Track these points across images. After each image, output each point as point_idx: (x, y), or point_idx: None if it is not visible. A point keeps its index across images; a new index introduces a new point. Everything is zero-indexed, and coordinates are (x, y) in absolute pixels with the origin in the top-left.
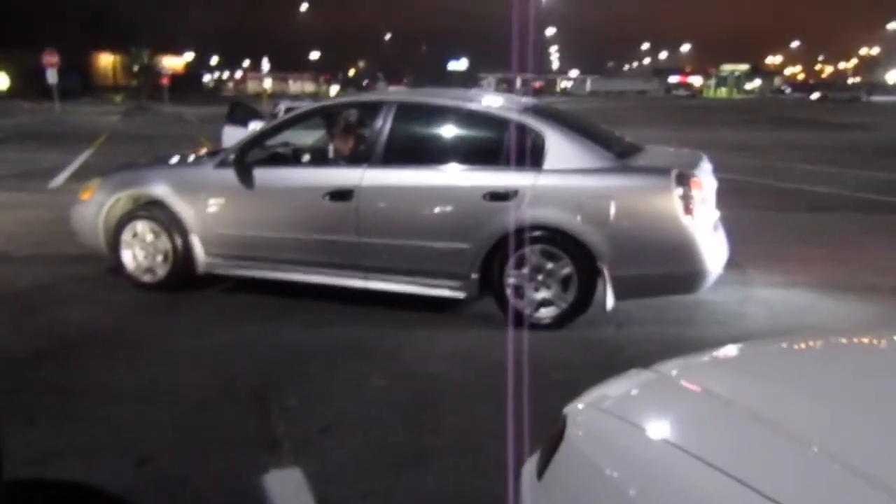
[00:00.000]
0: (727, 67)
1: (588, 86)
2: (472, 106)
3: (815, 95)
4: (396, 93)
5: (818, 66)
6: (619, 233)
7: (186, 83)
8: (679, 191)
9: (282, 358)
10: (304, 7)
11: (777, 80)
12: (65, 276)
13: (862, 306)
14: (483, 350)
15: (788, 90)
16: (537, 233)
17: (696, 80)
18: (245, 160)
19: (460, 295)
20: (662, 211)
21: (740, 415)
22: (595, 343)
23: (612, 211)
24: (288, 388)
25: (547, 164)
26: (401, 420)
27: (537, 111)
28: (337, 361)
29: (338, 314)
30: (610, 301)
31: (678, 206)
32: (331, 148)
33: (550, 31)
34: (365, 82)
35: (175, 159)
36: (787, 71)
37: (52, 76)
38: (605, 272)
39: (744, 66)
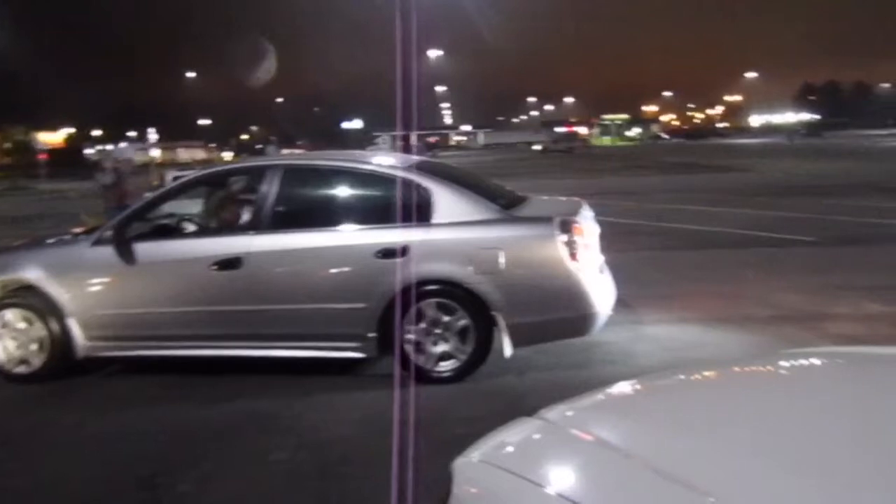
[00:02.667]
0: (608, 117)
1: (481, 139)
2: (359, 166)
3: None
4: (282, 157)
5: (690, 113)
6: (510, 282)
7: (67, 158)
8: (563, 238)
9: (174, 441)
10: (191, 75)
11: (655, 127)
12: None
13: (744, 336)
14: (385, 410)
15: (667, 137)
16: (431, 287)
17: (583, 130)
18: (124, 235)
19: (360, 355)
20: (549, 258)
21: (631, 464)
22: (496, 393)
23: (502, 261)
24: (181, 472)
25: (435, 219)
26: (305, 494)
27: (423, 168)
28: (234, 438)
29: (233, 388)
30: (508, 349)
31: (563, 252)
32: (217, 216)
33: (441, 89)
34: (259, 147)
35: (51, 240)
36: (663, 118)
37: None
38: (501, 321)
39: (624, 116)
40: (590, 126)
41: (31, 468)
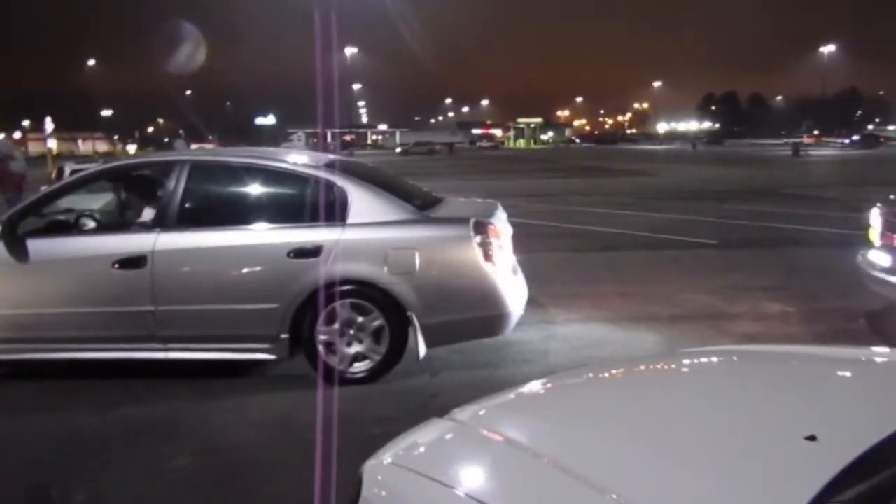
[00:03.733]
0: (523, 120)
1: (398, 138)
2: (272, 163)
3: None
4: (190, 152)
5: (601, 119)
6: (424, 282)
7: None
8: (477, 238)
9: (69, 448)
10: (91, 63)
11: (568, 132)
12: None
13: (648, 335)
14: (295, 411)
15: (578, 141)
16: (346, 287)
17: (498, 132)
18: (16, 231)
19: (270, 357)
20: (464, 259)
21: (539, 463)
22: (410, 393)
23: (417, 261)
24: (76, 482)
25: (351, 219)
26: (207, 501)
27: (338, 166)
28: (134, 445)
29: (134, 392)
30: (422, 349)
31: (478, 253)
32: (120, 213)
33: (357, 87)
34: (166, 140)
35: None
36: (576, 123)
37: None
38: (415, 321)
39: (538, 119)
40: (505, 128)
41: None
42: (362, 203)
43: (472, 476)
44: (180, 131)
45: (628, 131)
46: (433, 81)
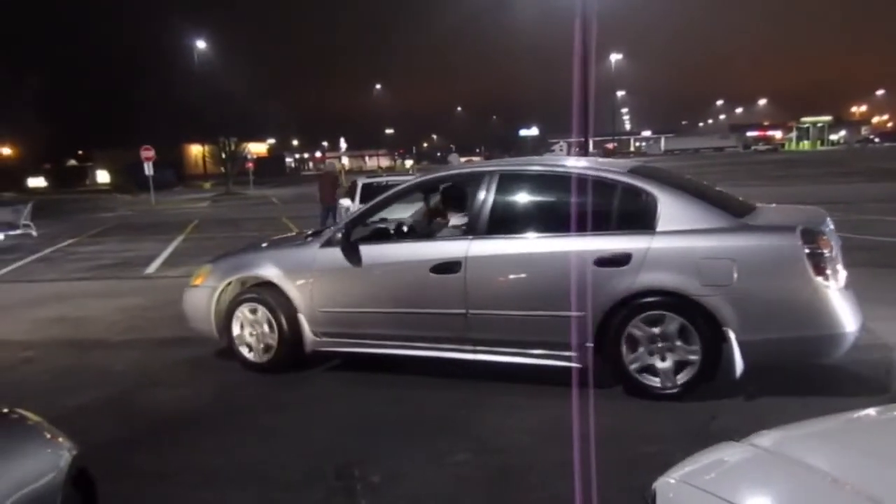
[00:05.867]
0: (808, 119)
1: (662, 145)
2: (578, 170)
3: None
4: (497, 163)
5: None
6: (743, 295)
7: (270, 166)
8: (807, 249)
9: (366, 433)
10: (377, 87)
11: (864, 130)
12: (161, 360)
13: None
14: (567, 420)
15: (877, 140)
16: (655, 298)
17: (777, 134)
18: (350, 238)
19: (573, 365)
20: (791, 271)
21: (844, 493)
22: (687, 412)
23: (736, 272)
24: (372, 464)
25: (661, 226)
26: (485, 497)
27: (644, 172)
28: (418, 436)
29: (424, 387)
30: (739, 368)
31: (808, 265)
32: (431, 221)
33: (621, 93)
34: (438, 154)
35: (278, 241)
36: (875, 119)
37: (148, 169)
38: (731, 337)
39: (826, 118)
40: (786, 129)
41: (240, 450)
42: (672, 210)
43: (763, 499)
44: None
45: None
46: (703, 83)
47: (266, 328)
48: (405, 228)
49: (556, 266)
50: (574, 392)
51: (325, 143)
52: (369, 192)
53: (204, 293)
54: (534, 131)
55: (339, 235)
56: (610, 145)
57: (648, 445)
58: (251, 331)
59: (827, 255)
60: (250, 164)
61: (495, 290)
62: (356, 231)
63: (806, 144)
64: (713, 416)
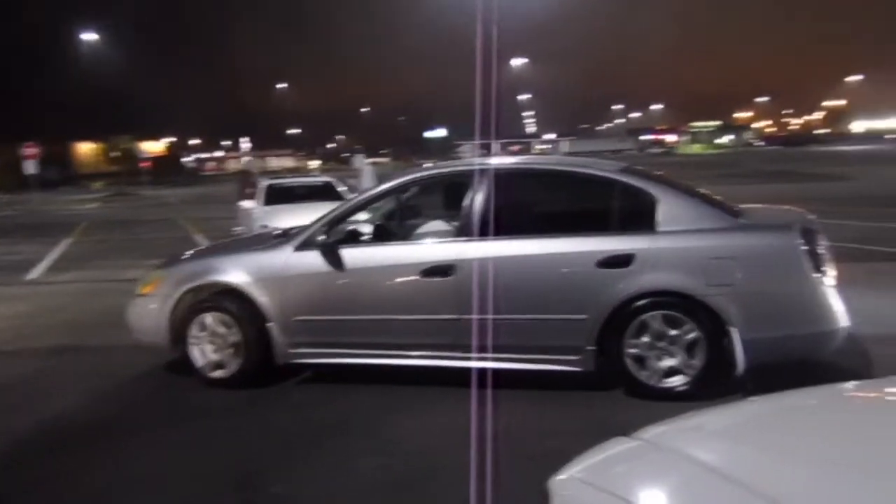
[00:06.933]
0: (698, 124)
1: (564, 147)
2: (576, 169)
3: None
4: (487, 161)
5: (785, 119)
6: (746, 294)
7: (168, 166)
8: (805, 247)
9: (271, 442)
10: (282, 85)
11: (748, 134)
12: (53, 370)
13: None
14: (476, 421)
15: (761, 144)
16: (658, 298)
17: (671, 137)
18: (329, 240)
19: (575, 369)
20: (791, 269)
21: (730, 489)
22: (586, 408)
23: (738, 272)
24: (275, 474)
25: (662, 227)
26: (390, 502)
27: (636, 172)
28: (325, 443)
29: (332, 392)
30: (741, 365)
31: (806, 263)
32: (406, 223)
33: (525, 97)
34: (345, 155)
35: (240, 244)
36: (758, 125)
37: (30, 167)
38: (735, 336)
39: (715, 123)
40: (679, 133)
41: (137, 462)
42: (673, 210)
43: (657, 496)
44: (356, 146)
45: (819, 132)
46: (604, 89)
47: (231, 339)
48: (386, 230)
49: (556, 268)
50: (477, 393)
51: (226, 143)
52: (273, 193)
53: (156, 302)
54: (440, 133)
55: (320, 238)
56: (514, 148)
57: (554, 441)
58: (212, 343)
59: (823, 252)
60: (146, 164)
61: (492, 293)
62: (332, 233)
63: (697, 147)
64: (602, 408)
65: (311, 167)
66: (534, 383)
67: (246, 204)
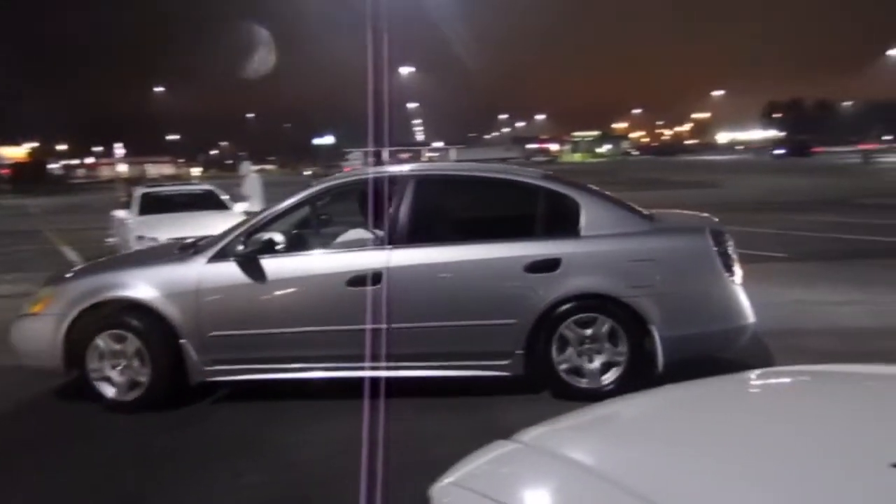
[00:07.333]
0: (579, 133)
1: (453, 155)
2: (500, 175)
3: None
4: (414, 166)
5: (659, 130)
6: (665, 295)
7: (31, 173)
8: (716, 248)
9: (150, 463)
10: (160, 89)
11: (625, 144)
12: None
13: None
14: (359, 431)
15: (636, 153)
16: (584, 301)
17: (554, 147)
18: (248, 251)
19: (504, 374)
20: (705, 269)
21: (605, 487)
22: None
23: (657, 273)
24: (153, 497)
25: (584, 231)
26: None
27: (558, 178)
28: (208, 461)
29: (215, 408)
30: (661, 363)
31: (718, 263)
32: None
33: (413, 105)
34: (228, 162)
35: (142, 256)
36: (633, 135)
37: None
38: (656, 335)
39: (594, 133)
40: (561, 143)
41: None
42: (595, 215)
43: (535, 500)
44: (241, 153)
45: (688, 142)
46: (489, 98)
47: (137, 360)
48: (286, 240)
49: (485, 274)
50: (369, 403)
51: (98, 149)
52: (149, 202)
53: (48, 322)
54: (328, 140)
55: (240, 248)
56: (404, 155)
57: (443, 447)
58: (115, 364)
59: (731, 253)
60: (5, 170)
61: (420, 301)
62: (249, 244)
63: (578, 156)
64: (492, 410)
65: (193, 175)
66: (423, 391)
67: (119, 213)
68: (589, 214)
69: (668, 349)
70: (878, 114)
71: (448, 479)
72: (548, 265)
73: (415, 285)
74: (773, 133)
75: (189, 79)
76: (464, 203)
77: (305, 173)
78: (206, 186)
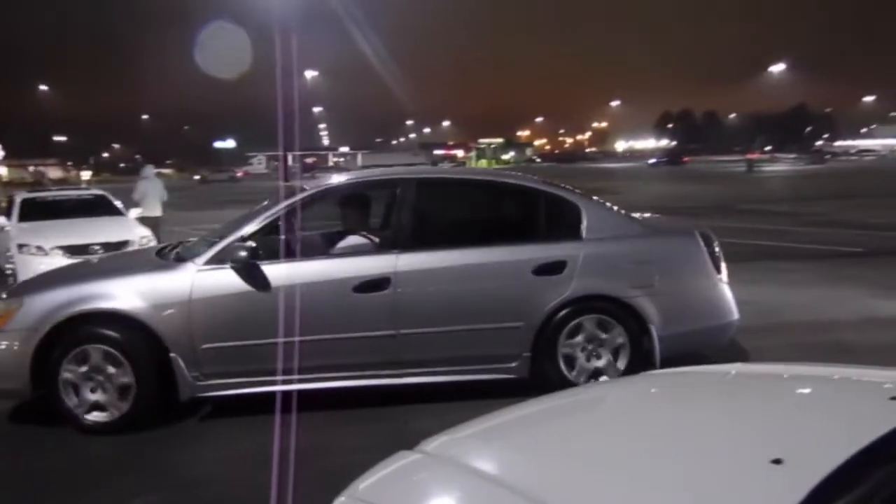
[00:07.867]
0: (484, 140)
1: (359, 160)
2: (503, 180)
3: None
4: (413, 170)
5: (560, 138)
6: (663, 295)
7: None
8: (707, 249)
9: (32, 487)
10: (44, 88)
11: (528, 151)
12: None
13: None
14: (262, 446)
15: (539, 160)
16: (587, 302)
17: (460, 153)
18: (249, 257)
19: (511, 376)
20: (698, 269)
21: (508, 496)
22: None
23: (656, 273)
24: None
25: (587, 234)
26: None
27: (556, 184)
28: (101, 482)
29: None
30: (658, 361)
31: (709, 263)
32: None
33: (318, 110)
34: (122, 165)
35: (122, 263)
36: (536, 142)
37: None
38: (654, 333)
39: (499, 140)
40: (467, 149)
41: None
42: (594, 218)
43: None
44: (137, 156)
45: (588, 150)
46: (395, 104)
47: (120, 378)
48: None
49: (493, 277)
50: (280, 418)
51: None
52: (30, 208)
53: (15, 338)
54: (230, 143)
55: (240, 254)
56: (309, 160)
57: (354, 457)
58: (93, 383)
59: (718, 254)
60: None
61: (429, 306)
62: (248, 249)
63: (483, 163)
64: (406, 420)
65: (83, 178)
66: (334, 403)
67: None
68: (590, 218)
69: (664, 347)
70: (761, 125)
71: (349, 493)
72: (555, 267)
73: (423, 290)
74: (665, 142)
75: (78, 78)
76: (470, 207)
77: (195, 178)
78: (97, 191)
